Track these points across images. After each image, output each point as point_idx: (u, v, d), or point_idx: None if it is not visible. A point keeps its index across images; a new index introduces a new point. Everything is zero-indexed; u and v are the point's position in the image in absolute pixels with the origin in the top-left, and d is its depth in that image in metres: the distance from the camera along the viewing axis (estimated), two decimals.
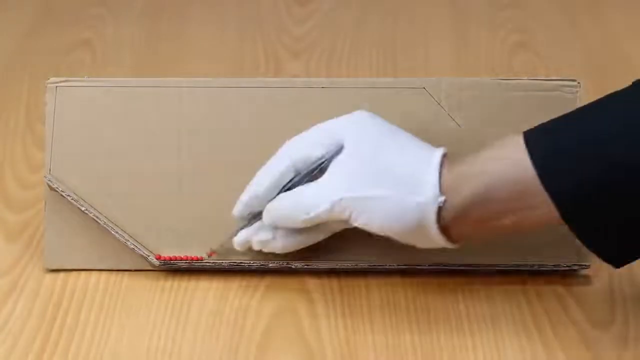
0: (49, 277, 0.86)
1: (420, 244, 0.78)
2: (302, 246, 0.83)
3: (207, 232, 0.85)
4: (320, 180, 0.78)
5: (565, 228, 0.84)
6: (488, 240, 0.81)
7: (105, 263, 0.86)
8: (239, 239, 0.83)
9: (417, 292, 0.84)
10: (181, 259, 0.85)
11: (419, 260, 0.85)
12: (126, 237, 0.85)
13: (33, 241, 0.90)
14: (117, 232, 0.85)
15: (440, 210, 0.75)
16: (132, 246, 0.85)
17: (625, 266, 0.84)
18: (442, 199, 0.74)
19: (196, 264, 0.85)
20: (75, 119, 0.86)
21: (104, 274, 0.86)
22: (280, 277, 0.85)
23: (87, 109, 0.87)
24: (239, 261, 0.85)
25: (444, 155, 0.76)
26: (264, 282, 0.85)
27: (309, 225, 0.79)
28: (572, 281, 0.85)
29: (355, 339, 0.79)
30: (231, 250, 0.84)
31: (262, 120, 0.86)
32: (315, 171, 0.80)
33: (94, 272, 0.86)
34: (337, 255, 0.85)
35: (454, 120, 0.85)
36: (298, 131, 0.83)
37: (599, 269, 0.86)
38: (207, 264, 0.85)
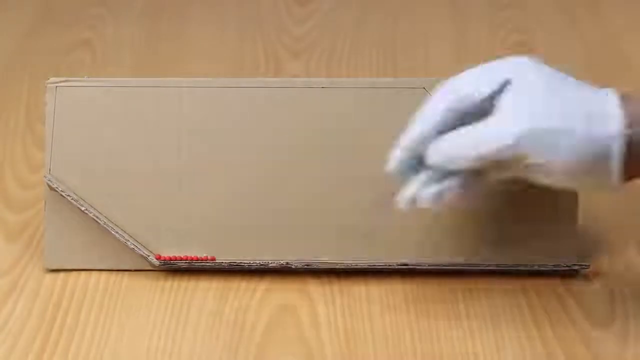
0: (49, 277, 0.86)
1: (588, 185, 0.75)
2: (471, 201, 0.77)
3: (207, 232, 0.85)
4: (497, 115, 0.74)
5: (565, 229, 0.84)
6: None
7: (105, 263, 0.86)
8: (407, 195, 0.77)
9: (417, 292, 0.84)
10: (181, 259, 0.85)
11: (419, 260, 0.85)
12: (126, 237, 0.85)
13: (33, 241, 0.90)
14: (117, 232, 0.85)
15: (627, 145, 0.72)
16: (132, 246, 0.85)
17: (625, 266, 0.85)
18: (630, 131, 0.71)
19: (196, 264, 0.85)
20: (75, 119, 0.86)
21: (104, 274, 0.86)
22: (280, 277, 0.85)
23: (87, 109, 0.87)
24: (239, 261, 0.85)
25: (623, 94, 0.74)
26: (264, 282, 0.85)
27: (482, 163, 0.74)
28: (572, 281, 0.85)
29: (355, 339, 0.79)
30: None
31: (262, 120, 0.86)
32: (481, 110, 0.75)
33: (94, 272, 0.86)
34: (337, 255, 0.85)
35: None
36: (298, 131, 0.83)
37: (599, 269, 0.86)
38: (207, 264, 0.85)
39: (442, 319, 0.81)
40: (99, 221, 0.85)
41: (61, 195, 0.85)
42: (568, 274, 0.85)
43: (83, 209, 0.85)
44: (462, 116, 0.75)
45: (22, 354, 0.78)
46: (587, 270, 0.85)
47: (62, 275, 0.86)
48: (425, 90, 0.85)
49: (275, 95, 0.86)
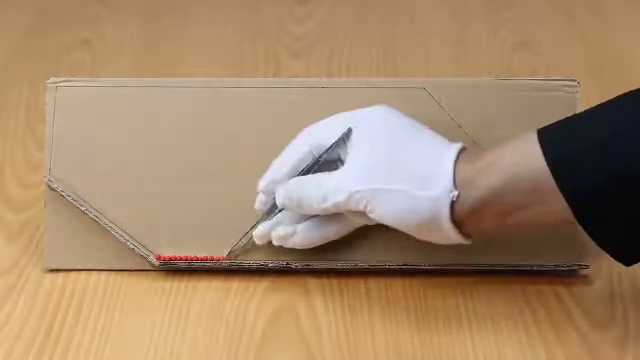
0: (49, 277, 0.86)
1: (435, 239, 0.78)
2: (322, 242, 0.83)
3: (207, 232, 0.85)
4: (340, 169, 0.79)
5: (565, 229, 0.84)
6: (501, 234, 0.81)
7: (105, 263, 0.86)
8: (259, 233, 0.83)
9: (417, 292, 0.84)
10: (181, 259, 0.85)
11: (419, 260, 0.85)
12: (126, 237, 0.85)
13: (33, 241, 0.90)
14: (117, 232, 0.85)
15: (454, 204, 0.75)
16: (132, 246, 0.85)
17: (626, 267, 0.85)
18: (454, 193, 0.75)
19: (196, 264, 0.85)
20: (75, 119, 0.86)
21: (103, 274, 0.86)
22: (280, 277, 0.85)
23: (87, 109, 0.87)
24: (239, 261, 0.85)
25: (461, 151, 0.77)
26: (264, 282, 0.85)
27: (322, 213, 0.80)
28: (572, 281, 0.85)
29: (355, 339, 0.79)
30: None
31: (262, 120, 0.86)
32: (331, 158, 0.81)
33: (93, 272, 0.86)
34: (337, 255, 0.85)
35: (454, 120, 0.85)
36: (298, 131, 0.83)
37: (599, 269, 0.86)
38: (207, 264, 0.85)
39: (442, 319, 0.81)
40: (99, 221, 0.85)
41: (61, 195, 0.85)
42: (568, 274, 0.85)
43: (83, 209, 0.85)
44: (317, 161, 0.81)
45: (22, 353, 0.78)
46: (587, 270, 0.85)
47: (62, 275, 0.86)
48: (425, 90, 0.85)
49: (275, 95, 0.87)
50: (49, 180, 0.86)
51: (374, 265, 0.85)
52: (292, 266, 0.85)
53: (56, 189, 0.85)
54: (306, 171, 0.81)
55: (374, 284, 0.85)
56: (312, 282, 0.85)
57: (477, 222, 0.76)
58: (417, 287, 0.84)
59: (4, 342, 0.79)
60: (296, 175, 0.81)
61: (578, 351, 0.78)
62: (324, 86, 0.87)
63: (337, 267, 0.85)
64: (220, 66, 1.20)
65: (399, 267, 0.85)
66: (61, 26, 1.28)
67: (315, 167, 0.81)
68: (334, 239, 0.83)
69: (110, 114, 0.86)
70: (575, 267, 0.85)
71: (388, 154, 0.77)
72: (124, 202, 0.86)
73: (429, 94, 0.86)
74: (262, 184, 0.82)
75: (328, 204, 0.78)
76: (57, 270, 0.86)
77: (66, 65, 1.19)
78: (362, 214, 0.78)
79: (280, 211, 0.82)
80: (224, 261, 0.85)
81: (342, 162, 0.80)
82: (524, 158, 0.73)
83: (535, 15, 1.30)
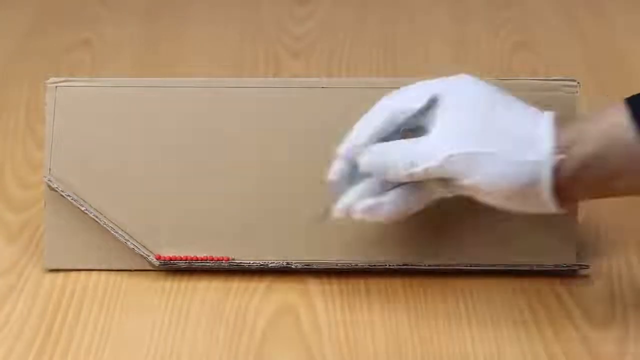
0: (49, 277, 0.86)
1: (527, 207, 0.75)
2: (406, 213, 0.79)
3: (207, 232, 0.85)
4: (430, 134, 0.75)
5: (565, 229, 0.84)
6: (502, 234, 0.80)
7: (105, 263, 0.86)
8: (342, 205, 0.78)
9: (417, 292, 0.84)
10: (181, 259, 0.85)
11: (419, 260, 0.85)
12: (126, 237, 0.85)
13: (33, 241, 0.90)
14: (117, 232, 0.85)
15: (555, 169, 0.72)
16: (132, 246, 0.85)
17: (625, 266, 0.85)
18: (561, 157, 0.72)
19: (196, 264, 0.85)
20: (75, 119, 0.86)
21: (103, 274, 0.86)
22: (280, 277, 0.85)
23: (87, 109, 0.87)
24: (239, 261, 0.85)
25: (556, 118, 0.75)
26: (264, 282, 0.85)
27: (409, 179, 0.76)
28: (572, 281, 0.85)
29: (355, 339, 0.79)
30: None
31: (262, 120, 0.86)
32: (413, 126, 0.77)
33: (93, 272, 0.86)
34: (337, 255, 0.85)
35: None
36: (298, 131, 0.83)
37: (599, 269, 0.86)
38: (207, 264, 0.85)
39: (442, 319, 0.81)
40: (99, 221, 0.85)
41: (61, 195, 0.85)
42: (568, 274, 0.85)
43: (83, 209, 0.85)
44: (399, 129, 0.77)
45: (22, 353, 0.78)
46: (587, 270, 0.85)
47: (62, 275, 0.86)
48: None
49: (275, 95, 0.86)
50: (49, 180, 0.86)
51: (374, 265, 0.85)
52: (292, 266, 0.85)
53: (56, 189, 0.85)
54: (388, 138, 0.77)
55: (374, 284, 0.85)
56: (312, 282, 0.85)
57: (575, 189, 0.73)
58: (417, 287, 0.84)
59: (4, 342, 0.79)
60: (378, 142, 0.77)
61: (578, 351, 0.78)
62: (324, 86, 0.87)
63: (337, 267, 0.85)
64: (220, 66, 1.20)
65: (399, 267, 0.85)
66: (61, 26, 1.28)
67: (398, 134, 0.77)
68: (417, 210, 0.79)
69: (110, 114, 0.86)
70: (575, 267, 0.85)
71: (481, 117, 0.74)
72: (124, 202, 0.86)
73: None
74: (342, 149, 0.78)
75: (418, 169, 0.75)
76: (57, 270, 0.86)
77: (66, 65, 1.19)
78: (448, 182, 0.75)
79: (356, 182, 0.78)
80: (224, 261, 0.85)
81: (426, 131, 0.76)
82: (617, 125, 0.72)
83: (535, 15, 1.30)
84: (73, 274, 0.86)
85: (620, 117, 0.72)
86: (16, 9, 1.32)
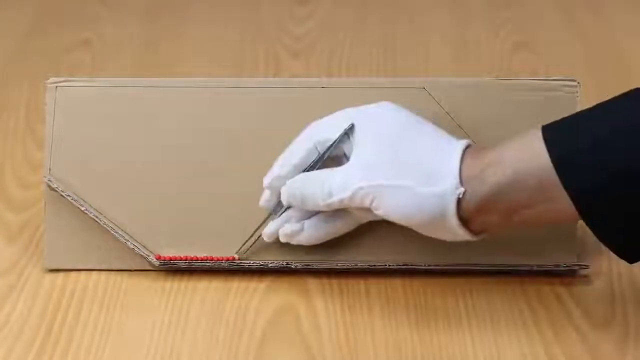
0: (49, 277, 0.86)
1: (442, 236, 0.78)
2: (328, 238, 0.83)
3: (207, 232, 0.85)
4: (344, 166, 0.79)
5: (565, 228, 0.84)
6: (502, 234, 0.81)
7: (105, 263, 0.86)
8: (268, 231, 0.83)
9: (417, 292, 0.84)
10: (181, 259, 0.85)
11: (419, 260, 0.85)
12: (126, 237, 0.85)
13: (33, 241, 0.90)
14: (117, 232, 0.85)
15: (460, 201, 0.75)
16: (132, 246, 0.85)
17: (625, 266, 0.84)
18: (461, 190, 0.74)
19: (196, 264, 0.85)
20: (75, 119, 0.86)
21: (103, 274, 0.86)
22: (280, 277, 0.85)
23: (87, 109, 0.87)
24: (239, 261, 0.85)
25: (468, 147, 0.77)
26: (264, 282, 0.85)
27: (327, 209, 0.80)
28: (572, 281, 0.85)
29: (355, 339, 0.79)
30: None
31: (262, 120, 0.86)
32: (335, 154, 0.81)
33: (93, 272, 0.86)
34: (337, 255, 0.85)
35: (454, 120, 0.85)
36: (298, 131, 0.83)
37: (599, 269, 0.86)
38: (207, 264, 0.85)
39: (442, 319, 0.81)
40: (99, 221, 0.85)
41: (61, 195, 0.85)
42: (568, 274, 0.85)
43: (83, 209, 0.85)
44: (321, 158, 0.81)
45: (22, 353, 0.78)
46: (587, 270, 0.85)
47: (62, 275, 0.86)
48: (425, 90, 0.85)
49: (275, 95, 0.86)
50: (49, 181, 0.86)
51: (374, 265, 0.85)
52: (292, 266, 0.85)
53: (56, 189, 0.85)
54: (310, 167, 0.81)
55: (374, 284, 0.85)
56: (312, 282, 0.85)
57: (484, 219, 0.75)
58: (417, 287, 0.84)
59: (4, 342, 0.79)
60: (301, 172, 0.81)
61: (578, 351, 0.78)
62: (324, 86, 0.87)
63: (337, 267, 0.85)
64: (220, 66, 1.20)
65: (399, 267, 0.85)
66: (61, 26, 1.28)
67: (320, 163, 0.81)
68: (340, 234, 0.83)
69: (110, 114, 0.86)
70: (575, 267, 0.85)
71: (393, 149, 0.77)
72: (124, 202, 0.86)
73: (429, 93, 0.86)
74: (266, 180, 0.82)
75: (333, 200, 0.78)
76: (57, 270, 0.86)
77: (66, 65, 1.19)
78: (368, 210, 0.78)
79: (287, 209, 0.82)
80: (224, 261, 0.85)
81: (347, 159, 0.80)
82: (529, 154, 0.73)
83: (535, 15, 1.30)
84: (73, 274, 0.86)
85: (535, 144, 0.73)
86: (16, 9, 1.32)
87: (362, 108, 0.81)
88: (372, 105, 0.81)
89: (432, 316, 0.81)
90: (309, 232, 0.82)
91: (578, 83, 0.85)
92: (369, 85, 0.87)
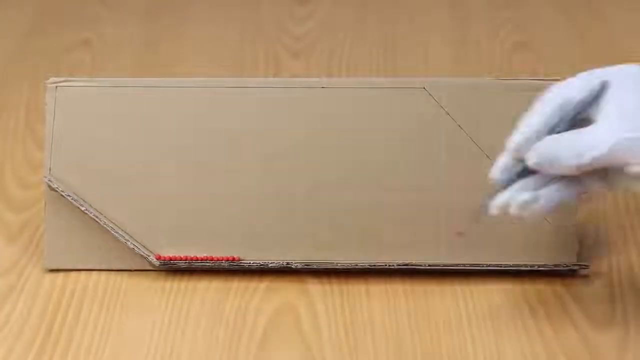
0: (49, 277, 0.86)
1: None
2: (560, 207, 0.77)
3: (207, 232, 0.85)
4: (594, 125, 0.74)
5: (565, 228, 0.84)
6: (507, 231, 0.80)
7: (105, 263, 0.86)
8: (500, 201, 0.77)
9: (417, 292, 0.84)
10: (181, 259, 0.85)
11: (419, 260, 0.85)
12: (126, 237, 0.85)
13: (33, 241, 0.90)
14: (117, 232, 0.85)
15: None
16: (132, 246, 0.85)
17: (625, 266, 0.85)
18: None
19: (196, 264, 0.85)
20: (75, 119, 0.86)
21: (103, 274, 0.86)
22: (280, 277, 0.85)
23: (87, 109, 0.86)
24: (239, 261, 0.85)
25: None
26: (264, 282, 0.85)
27: (576, 172, 0.74)
28: (572, 281, 0.85)
29: (355, 338, 0.79)
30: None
31: (262, 120, 0.86)
32: (581, 117, 0.76)
33: (93, 272, 0.86)
34: (337, 255, 0.85)
35: (454, 120, 0.85)
36: (298, 131, 0.83)
37: (599, 269, 0.86)
38: (207, 264, 0.85)
39: (442, 318, 0.81)
40: (99, 221, 0.85)
41: (61, 195, 0.85)
42: (568, 274, 0.85)
43: (83, 209, 0.85)
44: (569, 120, 0.75)
45: (22, 353, 0.78)
46: (587, 270, 0.85)
47: (62, 275, 0.86)
48: (425, 90, 0.85)
49: (275, 95, 0.86)
50: (49, 181, 0.86)
51: (374, 265, 0.85)
52: (292, 266, 0.85)
53: (56, 189, 0.85)
54: (555, 129, 0.76)
55: (374, 283, 0.85)
56: (312, 282, 0.85)
57: None
58: (418, 287, 0.84)
59: (3, 342, 0.79)
60: (547, 134, 0.76)
61: (578, 351, 0.78)
62: (324, 86, 0.87)
63: (337, 267, 0.85)
64: (220, 66, 1.20)
65: (399, 267, 0.85)
66: (61, 26, 1.28)
67: (564, 126, 0.76)
68: (572, 204, 0.79)
69: (110, 114, 0.86)
70: (575, 267, 0.85)
71: None
72: (124, 202, 0.86)
73: (429, 93, 0.86)
74: (512, 142, 0.76)
75: (585, 160, 0.73)
76: (57, 270, 0.86)
77: (66, 65, 1.19)
78: (610, 174, 0.74)
79: (515, 179, 0.77)
80: (224, 261, 0.85)
81: (594, 121, 0.75)
82: None
83: (535, 15, 1.30)
84: (73, 274, 0.86)
85: None
86: (16, 9, 1.32)
87: (609, 68, 0.76)
88: (620, 65, 0.76)
89: (432, 316, 0.81)
90: (545, 201, 0.76)
91: None
92: (369, 85, 0.87)
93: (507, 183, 0.77)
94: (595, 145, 0.72)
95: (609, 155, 0.72)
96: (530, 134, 0.75)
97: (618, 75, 0.75)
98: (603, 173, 0.75)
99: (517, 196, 0.76)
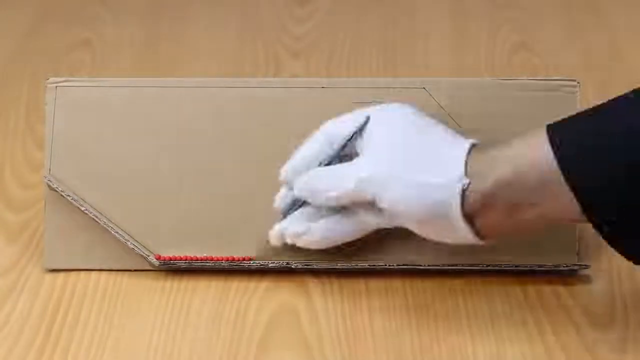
0: (49, 277, 0.86)
1: (445, 236, 0.77)
2: (334, 243, 0.82)
3: (207, 232, 0.85)
4: (355, 160, 0.79)
5: (565, 229, 0.84)
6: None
7: (105, 263, 0.86)
8: (274, 232, 0.82)
9: (417, 292, 0.84)
10: (181, 259, 0.85)
11: (419, 260, 0.84)
12: (126, 237, 0.85)
13: (33, 241, 0.90)
14: (117, 232, 0.85)
15: (464, 195, 0.74)
16: (132, 246, 0.85)
17: (626, 266, 0.84)
18: (465, 181, 0.74)
19: (196, 264, 0.85)
20: (75, 119, 0.86)
21: (103, 274, 0.86)
22: (280, 277, 0.85)
23: (87, 109, 0.87)
24: (239, 261, 0.85)
25: (473, 145, 0.77)
26: (264, 283, 0.85)
27: (335, 204, 0.79)
28: (572, 281, 0.85)
29: (355, 338, 0.79)
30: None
31: (262, 120, 0.86)
32: (349, 152, 0.80)
33: (93, 272, 0.86)
34: (337, 256, 0.85)
35: (453, 120, 0.85)
36: (298, 131, 0.83)
37: (599, 269, 0.86)
38: (207, 264, 0.85)
39: (442, 319, 0.81)
40: (99, 221, 0.85)
41: (61, 195, 0.85)
42: (568, 274, 0.85)
43: (83, 209, 0.85)
44: (337, 154, 0.80)
45: (22, 353, 0.78)
46: (587, 270, 0.85)
47: (62, 275, 0.86)
48: (425, 90, 0.85)
49: (275, 95, 0.86)
50: (48, 181, 0.86)
51: (374, 265, 0.85)
52: (292, 266, 0.85)
53: (56, 189, 0.85)
54: (324, 164, 0.80)
55: (374, 284, 0.85)
56: (312, 282, 0.85)
57: (487, 218, 0.75)
58: (417, 287, 0.84)
59: (3, 342, 0.79)
60: (315, 167, 0.81)
61: (578, 351, 0.78)
62: (324, 86, 0.87)
63: (337, 267, 0.85)
64: (220, 66, 1.20)
65: (399, 267, 0.85)
66: (61, 26, 1.28)
67: (334, 160, 0.80)
68: (350, 239, 0.82)
69: (110, 114, 0.86)
70: (576, 267, 0.85)
71: (401, 143, 0.77)
72: (124, 202, 0.86)
73: (429, 94, 0.86)
74: (282, 173, 0.82)
75: (339, 192, 0.78)
76: (57, 271, 0.86)
77: (66, 65, 1.19)
78: (373, 207, 0.77)
79: (296, 208, 0.82)
80: (224, 261, 0.85)
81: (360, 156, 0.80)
82: (530, 151, 0.73)
83: (535, 15, 1.30)
84: (73, 274, 0.86)
85: (538, 141, 0.73)
86: (16, 9, 1.32)
87: (377, 107, 0.81)
88: (386, 105, 0.81)
89: (432, 316, 0.81)
90: (316, 235, 0.81)
91: (578, 83, 0.85)
92: (369, 85, 0.87)
93: (286, 211, 0.82)
94: (345, 179, 0.78)
95: (355, 191, 0.77)
96: (299, 165, 0.81)
97: (379, 114, 0.80)
98: (372, 208, 0.78)
99: (289, 227, 0.82)
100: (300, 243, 0.82)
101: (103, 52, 1.23)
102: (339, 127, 0.81)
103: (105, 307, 0.83)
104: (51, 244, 0.86)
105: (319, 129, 0.82)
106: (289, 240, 0.82)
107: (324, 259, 0.85)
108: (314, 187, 0.80)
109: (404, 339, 0.79)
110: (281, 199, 0.83)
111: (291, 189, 0.82)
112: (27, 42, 1.25)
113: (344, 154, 0.81)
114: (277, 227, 0.82)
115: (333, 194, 0.78)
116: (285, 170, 0.82)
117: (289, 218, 0.82)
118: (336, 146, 0.80)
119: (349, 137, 0.80)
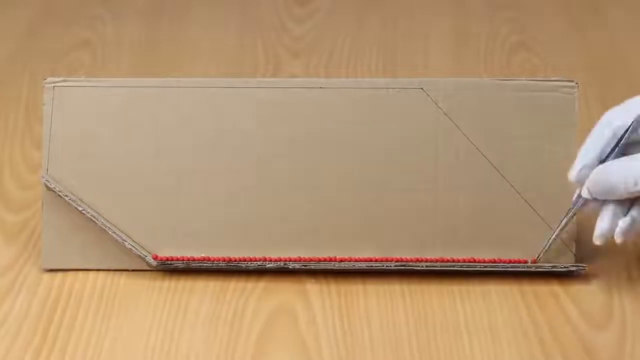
0: (47, 277, 0.86)
1: None
2: None
3: (206, 232, 0.85)
4: None
5: (564, 228, 0.84)
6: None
7: (103, 263, 0.86)
8: (600, 232, 0.80)
9: (415, 293, 0.84)
10: (178, 259, 0.85)
11: (418, 260, 0.84)
12: (124, 237, 0.85)
13: (31, 241, 0.90)
14: (114, 232, 0.85)
15: None
16: (130, 246, 0.85)
17: (623, 267, 0.85)
18: None
19: (194, 264, 0.85)
20: (73, 119, 0.86)
21: (101, 274, 0.86)
22: (277, 278, 0.85)
23: (85, 109, 0.86)
24: (237, 262, 0.85)
25: None
26: (262, 283, 0.85)
27: (634, 196, 0.77)
28: (570, 282, 0.85)
29: (352, 339, 0.79)
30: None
31: (262, 120, 0.86)
32: (633, 139, 0.78)
33: (91, 272, 0.86)
34: (335, 256, 0.85)
35: (451, 120, 0.85)
36: (297, 131, 0.83)
37: (597, 270, 0.86)
38: (205, 264, 0.85)
39: (439, 319, 0.81)
40: (97, 221, 0.85)
41: (58, 195, 0.85)
42: (566, 274, 0.85)
43: (80, 209, 0.85)
44: (620, 145, 0.78)
45: (20, 353, 0.78)
46: (585, 271, 0.85)
47: (59, 275, 0.86)
48: (423, 91, 0.85)
49: (275, 95, 0.86)
50: (46, 181, 0.86)
51: (372, 266, 0.85)
52: (290, 267, 0.85)
53: (54, 189, 0.85)
54: (608, 156, 0.79)
55: (372, 284, 0.85)
56: (309, 283, 0.85)
57: None
58: (415, 288, 0.84)
59: (1, 342, 0.79)
60: (600, 161, 0.79)
61: (576, 352, 0.78)
62: (323, 86, 0.87)
63: (334, 267, 0.85)
64: (220, 66, 1.20)
65: (397, 267, 0.85)
66: (60, 26, 1.28)
67: (617, 150, 0.79)
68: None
69: (109, 114, 0.86)
70: (574, 268, 0.85)
71: None
72: (122, 202, 0.86)
73: (427, 94, 0.85)
74: (573, 173, 0.80)
75: (638, 189, 0.76)
76: (55, 270, 0.86)
77: (65, 66, 1.19)
78: None
79: (585, 202, 0.80)
80: (221, 262, 0.85)
81: None
82: None
83: (535, 15, 1.30)
84: (71, 274, 0.86)
85: None
86: (16, 9, 1.33)
87: None
88: None
89: (430, 317, 0.81)
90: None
91: (576, 84, 0.85)
92: (369, 85, 0.86)
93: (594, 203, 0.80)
94: None
95: None
96: (588, 162, 0.79)
97: None
98: None
99: (614, 223, 0.79)
100: (629, 238, 0.80)
101: (102, 52, 1.23)
102: (620, 117, 0.78)
103: (103, 307, 0.83)
104: (49, 243, 0.86)
105: (599, 122, 0.80)
106: (620, 238, 0.79)
107: (322, 259, 0.85)
108: (608, 183, 0.77)
109: (402, 339, 0.79)
110: (580, 199, 0.81)
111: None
112: (27, 42, 1.25)
113: (629, 142, 0.79)
114: (603, 226, 0.80)
115: (635, 189, 0.76)
116: (575, 170, 0.79)
117: (604, 217, 0.80)
118: (621, 137, 0.78)
119: (630, 126, 0.77)
